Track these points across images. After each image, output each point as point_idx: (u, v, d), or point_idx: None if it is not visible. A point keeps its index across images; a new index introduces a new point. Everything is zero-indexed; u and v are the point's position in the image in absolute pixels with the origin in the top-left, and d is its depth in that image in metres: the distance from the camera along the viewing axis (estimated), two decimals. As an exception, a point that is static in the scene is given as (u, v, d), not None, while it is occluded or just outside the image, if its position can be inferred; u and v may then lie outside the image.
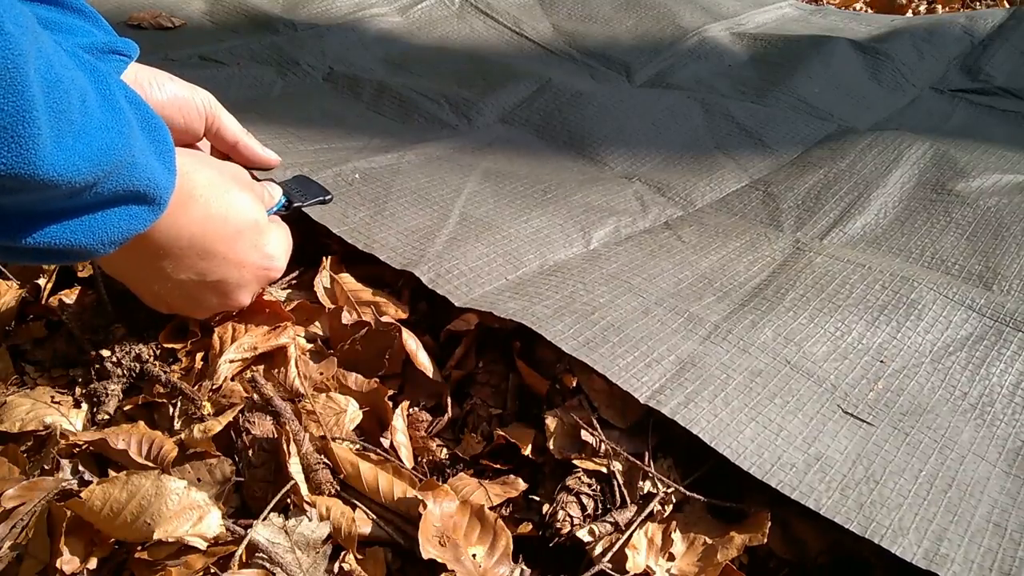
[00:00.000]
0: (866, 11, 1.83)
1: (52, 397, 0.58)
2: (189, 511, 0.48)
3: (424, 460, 0.57)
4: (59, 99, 0.36)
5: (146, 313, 0.64)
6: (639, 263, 0.71)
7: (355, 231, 0.69)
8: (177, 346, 0.61)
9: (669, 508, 0.52)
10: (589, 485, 0.53)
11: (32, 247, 0.40)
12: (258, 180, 0.65)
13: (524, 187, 0.82)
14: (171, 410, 0.57)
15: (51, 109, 0.35)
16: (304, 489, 0.51)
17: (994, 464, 0.51)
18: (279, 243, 0.60)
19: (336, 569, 0.49)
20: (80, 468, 0.53)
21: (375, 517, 0.52)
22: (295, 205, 0.68)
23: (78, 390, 0.59)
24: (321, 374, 0.59)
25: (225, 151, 0.71)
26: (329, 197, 0.71)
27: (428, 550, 0.47)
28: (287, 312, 0.63)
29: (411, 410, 0.60)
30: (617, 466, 0.53)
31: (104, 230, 0.42)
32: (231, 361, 0.59)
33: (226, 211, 0.53)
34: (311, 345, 0.63)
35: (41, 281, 0.68)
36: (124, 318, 0.63)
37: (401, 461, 0.55)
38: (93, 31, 0.56)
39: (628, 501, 0.52)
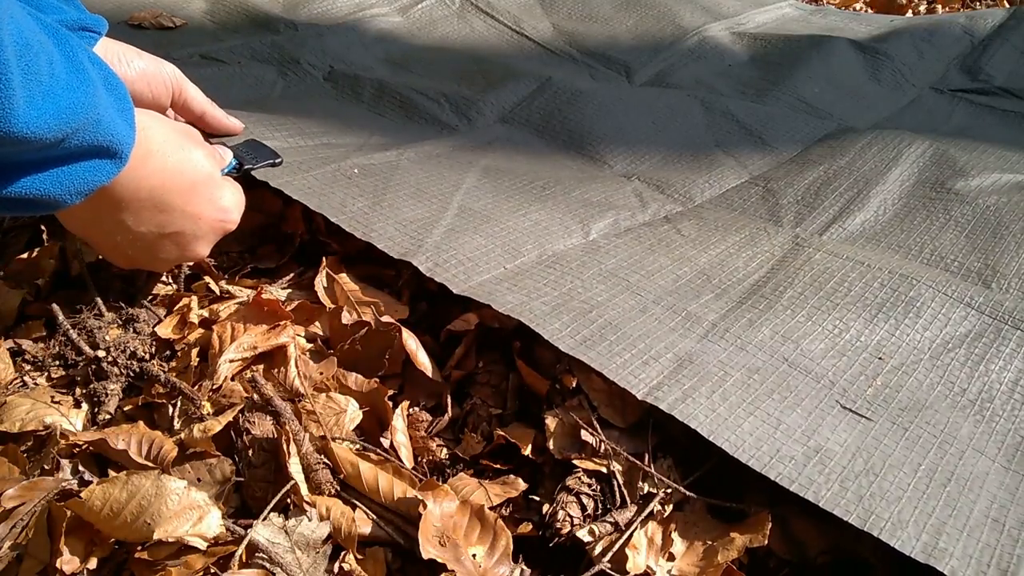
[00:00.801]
0: (866, 11, 1.83)
1: (52, 397, 0.58)
2: (189, 511, 0.48)
3: (424, 460, 0.57)
4: (30, 62, 0.39)
5: (143, 312, 0.64)
6: (637, 258, 0.71)
7: (353, 220, 0.69)
8: (175, 337, 0.61)
9: (669, 508, 0.52)
10: (589, 485, 0.53)
11: (6, 197, 0.43)
12: (210, 143, 0.66)
13: (523, 183, 0.82)
14: (171, 410, 0.57)
15: (23, 71, 0.38)
16: (304, 489, 0.51)
17: (993, 460, 0.51)
18: (233, 197, 0.62)
19: (336, 569, 0.49)
20: (80, 468, 0.53)
21: (375, 517, 0.52)
22: (245, 167, 0.69)
23: (78, 390, 0.59)
24: (321, 374, 0.59)
25: (192, 121, 0.73)
26: (279, 160, 0.73)
27: (428, 550, 0.47)
28: (286, 311, 0.63)
29: (411, 410, 0.60)
30: (617, 466, 0.53)
31: (72, 181, 0.46)
32: (231, 361, 0.59)
33: (182, 165, 0.56)
34: (311, 345, 0.63)
35: (40, 281, 0.68)
36: (120, 317, 0.64)
37: (401, 461, 0.55)
38: (64, 8, 0.60)
39: (628, 501, 0.52)
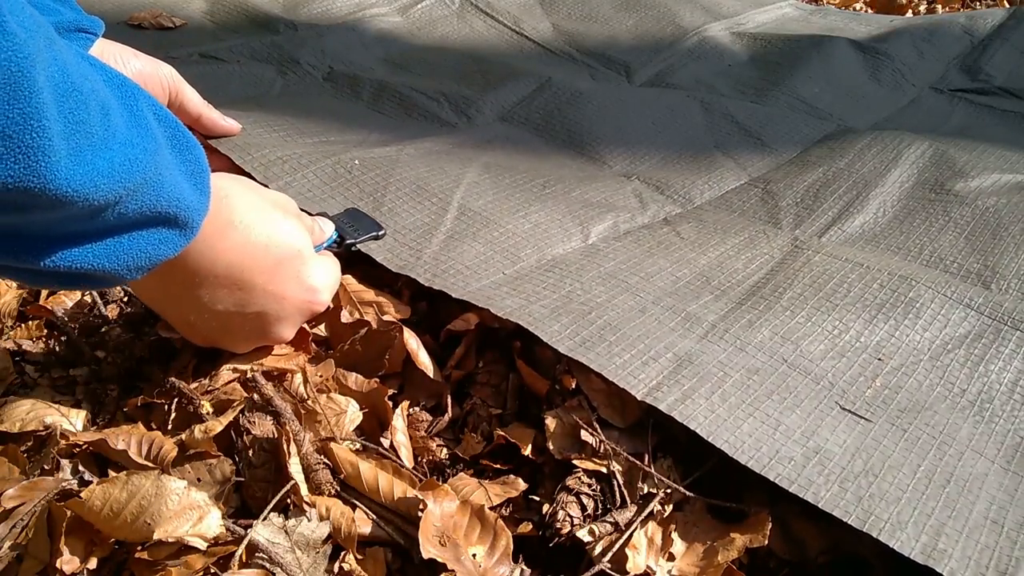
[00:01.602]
0: (866, 11, 1.83)
1: (52, 397, 0.58)
2: (189, 511, 0.48)
3: (424, 460, 0.57)
4: (75, 109, 0.33)
5: (141, 313, 0.64)
6: (637, 261, 0.71)
7: None
8: (175, 335, 0.61)
9: (669, 508, 0.52)
10: (589, 485, 0.53)
11: (53, 270, 0.38)
12: (311, 215, 0.63)
13: (523, 180, 0.82)
14: (171, 410, 0.57)
15: (66, 119, 0.33)
16: (304, 489, 0.51)
17: (992, 461, 0.51)
18: (325, 275, 0.57)
19: (336, 569, 0.49)
20: (80, 468, 0.53)
21: (375, 517, 0.52)
22: (348, 242, 0.66)
23: (78, 390, 0.59)
24: (321, 375, 0.59)
25: (188, 123, 0.71)
26: (382, 232, 0.69)
27: (428, 550, 0.47)
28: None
29: (411, 410, 0.60)
30: (617, 466, 0.53)
31: (129, 254, 0.40)
32: (235, 370, 0.59)
33: (267, 239, 0.51)
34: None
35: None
36: (120, 318, 0.64)
37: (401, 461, 0.55)
38: (60, 9, 0.57)
39: (628, 501, 0.52)
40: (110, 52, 0.61)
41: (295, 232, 0.53)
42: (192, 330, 0.55)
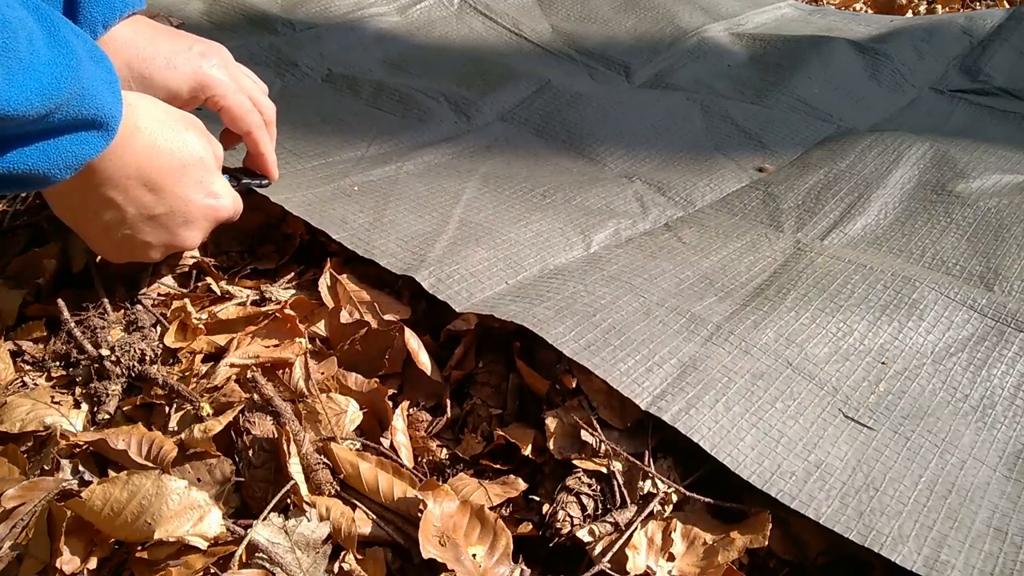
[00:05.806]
0: (866, 11, 1.83)
1: (52, 397, 0.58)
2: (189, 511, 0.48)
3: (424, 460, 0.57)
4: (8, 39, 0.39)
5: (144, 313, 0.64)
6: (640, 264, 0.71)
7: (355, 237, 0.69)
8: (181, 346, 0.61)
9: (669, 508, 0.52)
10: (589, 485, 0.53)
11: None
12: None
13: (523, 190, 0.82)
14: (170, 411, 0.57)
15: (1, 48, 0.39)
16: (304, 489, 0.51)
17: (994, 468, 0.51)
18: (227, 185, 0.63)
19: (336, 569, 0.49)
20: (80, 468, 0.53)
21: (375, 517, 0.51)
22: (244, 181, 0.71)
23: (78, 390, 0.59)
24: (322, 374, 0.59)
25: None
26: (266, 182, 0.74)
27: (428, 550, 0.47)
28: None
29: (411, 410, 0.60)
30: (617, 466, 0.53)
31: (60, 155, 0.46)
32: (231, 365, 0.59)
33: (172, 145, 0.56)
34: (311, 345, 0.63)
35: (40, 281, 0.68)
36: (123, 318, 0.64)
37: (401, 461, 0.55)
38: None
39: (628, 501, 0.52)
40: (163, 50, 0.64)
41: (197, 141, 0.59)
42: (107, 238, 0.59)
